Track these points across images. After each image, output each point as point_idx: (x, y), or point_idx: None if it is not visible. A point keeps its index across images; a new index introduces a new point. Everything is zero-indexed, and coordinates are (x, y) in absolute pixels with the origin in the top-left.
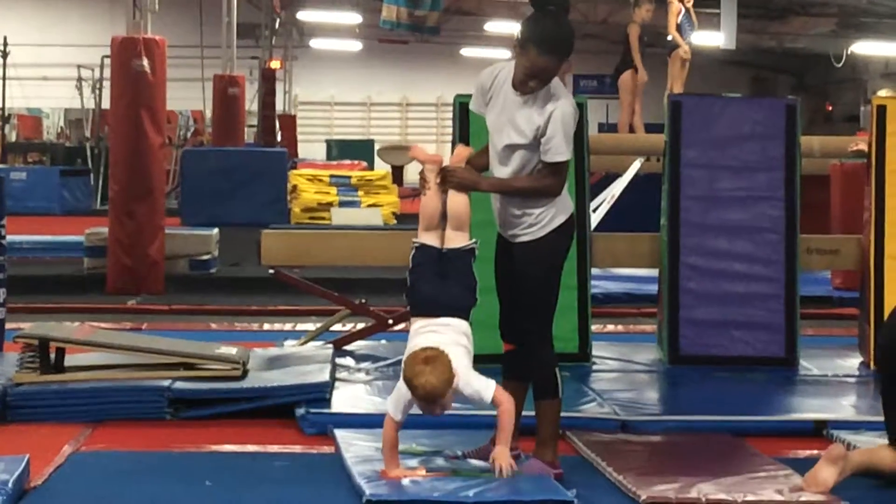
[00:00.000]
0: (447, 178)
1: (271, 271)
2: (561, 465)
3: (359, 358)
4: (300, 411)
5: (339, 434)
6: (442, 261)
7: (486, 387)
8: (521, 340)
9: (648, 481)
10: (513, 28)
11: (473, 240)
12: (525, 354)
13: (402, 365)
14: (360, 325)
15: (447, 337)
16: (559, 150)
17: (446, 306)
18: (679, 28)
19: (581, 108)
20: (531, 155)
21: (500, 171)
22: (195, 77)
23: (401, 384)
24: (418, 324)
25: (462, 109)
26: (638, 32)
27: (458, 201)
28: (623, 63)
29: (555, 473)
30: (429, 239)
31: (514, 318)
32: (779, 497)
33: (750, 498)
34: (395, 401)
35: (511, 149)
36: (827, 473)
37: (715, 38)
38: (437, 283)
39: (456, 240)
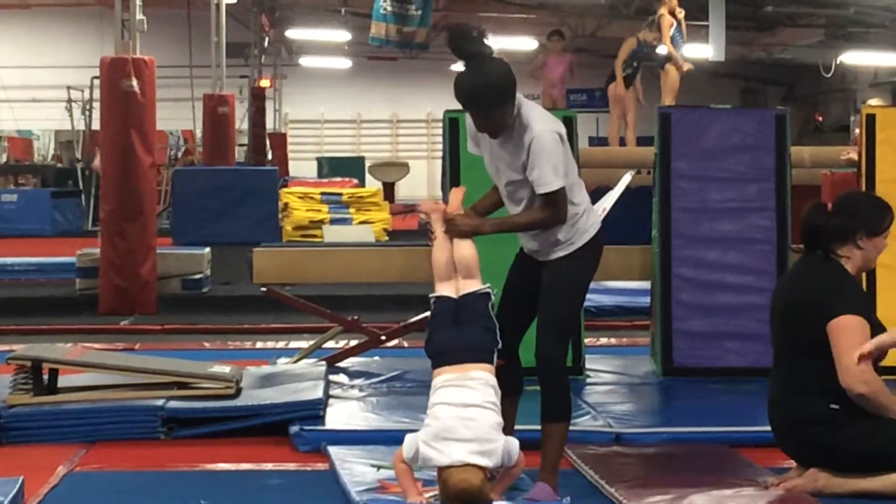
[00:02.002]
0: (449, 229)
1: (263, 289)
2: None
3: (352, 375)
4: (294, 429)
5: (333, 451)
6: (457, 309)
7: (515, 448)
8: (513, 354)
9: (640, 493)
10: (501, 43)
11: (487, 284)
12: (541, 377)
13: (439, 479)
14: (353, 342)
15: (479, 394)
16: (545, 180)
17: (468, 350)
18: (672, 41)
19: (571, 121)
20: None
21: (513, 207)
22: (185, 97)
23: (420, 437)
24: (444, 377)
25: (452, 125)
26: (632, 47)
27: (464, 250)
28: (613, 76)
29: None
30: (446, 290)
31: (516, 336)
32: None
33: None
34: (410, 447)
35: (514, 185)
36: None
37: (704, 51)
38: (453, 330)
39: (468, 286)
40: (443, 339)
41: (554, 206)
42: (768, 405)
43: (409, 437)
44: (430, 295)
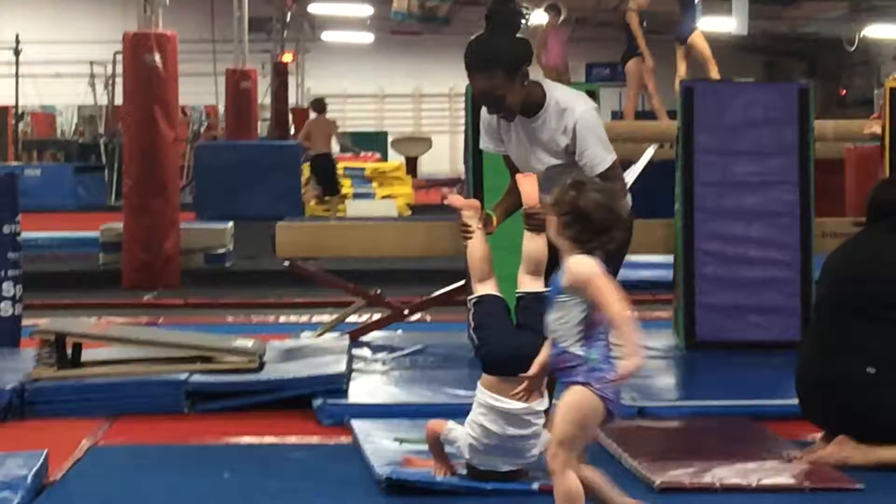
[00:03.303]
0: (533, 222)
1: (286, 264)
2: None
3: (375, 348)
4: (317, 402)
5: (357, 424)
6: (518, 308)
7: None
8: None
9: (663, 466)
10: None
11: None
12: None
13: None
14: (376, 316)
15: (535, 427)
16: (599, 158)
17: (529, 359)
18: (688, 9)
19: (594, 95)
20: (577, 170)
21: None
22: (207, 72)
23: (468, 447)
24: (504, 404)
25: (475, 99)
26: (637, 19)
27: (538, 243)
28: (629, 51)
29: None
30: (488, 289)
31: None
32: (794, 481)
33: (765, 482)
34: (457, 439)
35: (557, 169)
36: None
37: (727, 24)
38: (513, 336)
39: (531, 284)
40: (501, 347)
41: (613, 181)
42: (798, 367)
43: (458, 432)
44: (469, 297)
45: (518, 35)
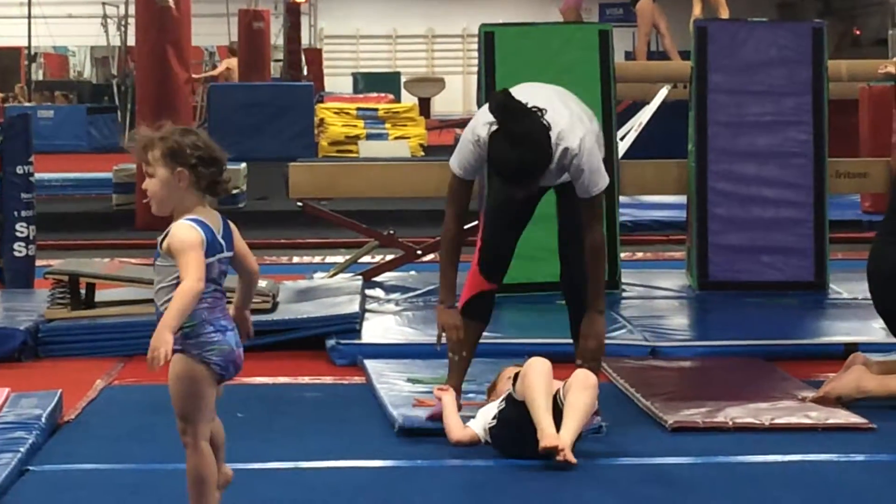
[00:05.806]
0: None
1: (300, 204)
2: None
3: (388, 289)
4: (330, 343)
5: (370, 365)
6: None
7: None
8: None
9: (676, 406)
10: None
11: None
12: (598, 263)
13: None
14: (389, 257)
15: None
16: (594, 183)
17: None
18: None
19: (606, 35)
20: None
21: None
22: (220, 12)
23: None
24: None
25: (487, 39)
26: None
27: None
28: None
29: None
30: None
31: (510, 260)
32: (807, 420)
33: (777, 421)
34: (481, 418)
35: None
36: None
37: None
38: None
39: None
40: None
41: (600, 208)
42: (869, 258)
43: (478, 416)
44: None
45: (536, 120)
